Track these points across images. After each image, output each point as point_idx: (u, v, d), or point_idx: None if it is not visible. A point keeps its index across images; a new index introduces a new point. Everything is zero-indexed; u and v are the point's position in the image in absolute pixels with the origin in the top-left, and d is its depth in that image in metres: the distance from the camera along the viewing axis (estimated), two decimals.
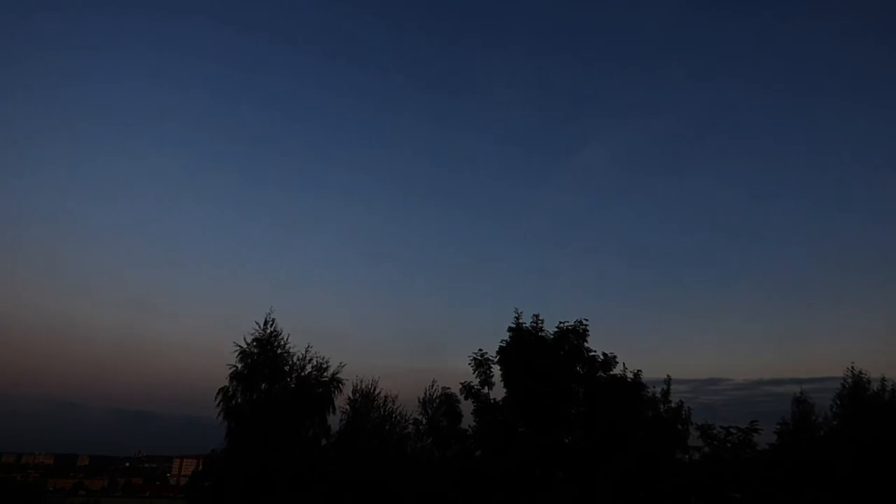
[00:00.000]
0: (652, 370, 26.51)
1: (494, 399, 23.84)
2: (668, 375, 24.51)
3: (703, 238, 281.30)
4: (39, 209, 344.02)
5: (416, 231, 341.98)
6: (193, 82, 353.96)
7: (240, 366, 24.70)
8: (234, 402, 24.24)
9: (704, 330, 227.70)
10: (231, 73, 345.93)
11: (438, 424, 24.65)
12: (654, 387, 23.96)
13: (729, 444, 21.17)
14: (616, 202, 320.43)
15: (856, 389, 28.85)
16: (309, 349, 25.87)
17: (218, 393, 24.39)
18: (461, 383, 24.12)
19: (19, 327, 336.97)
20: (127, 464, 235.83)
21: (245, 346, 25.01)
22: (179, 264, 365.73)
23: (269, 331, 25.49)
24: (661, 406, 23.66)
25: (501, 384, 23.66)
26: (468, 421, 24.11)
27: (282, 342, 25.51)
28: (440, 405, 24.77)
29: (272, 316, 25.62)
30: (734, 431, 21.24)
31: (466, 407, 24.21)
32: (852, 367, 29.31)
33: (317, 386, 25.44)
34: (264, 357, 24.91)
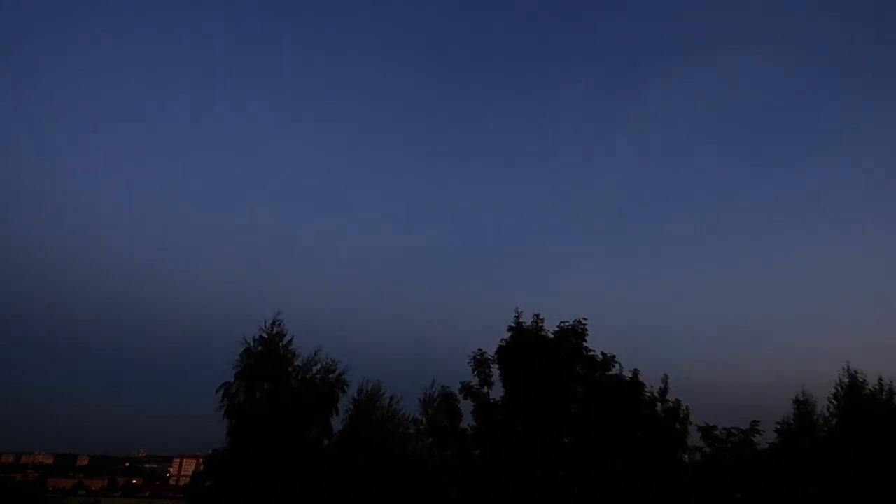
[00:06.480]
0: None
1: (494, 399, 23.80)
2: (665, 374, 24.32)
3: None
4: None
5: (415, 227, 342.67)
6: None
7: (243, 364, 24.76)
8: (236, 400, 24.27)
9: None
10: None
11: (439, 424, 24.57)
12: (651, 385, 23.73)
13: (730, 445, 21.12)
14: None
15: (851, 389, 28.48)
16: (319, 351, 26.19)
17: (220, 388, 24.44)
18: (461, 383, 24.07)
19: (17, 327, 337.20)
20: (127, 464, 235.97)
21: (250, 344, 25.07)
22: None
23: (274, 330, 25.55)
24: (659, 405, 23.45)
25: (501, 384, 23.63)
26: (468, 421, 24.07)
27: (287, 342, 25.61)
28: (440, 405, 24.70)
29: (280, 317, 25.78)
30: (735, 432, 21.20)
31: (466, 407, 24.18)
32: (847, 367, 29.00)
33: (321, 386, 25.47)
34: (269, 356, 24.96)
